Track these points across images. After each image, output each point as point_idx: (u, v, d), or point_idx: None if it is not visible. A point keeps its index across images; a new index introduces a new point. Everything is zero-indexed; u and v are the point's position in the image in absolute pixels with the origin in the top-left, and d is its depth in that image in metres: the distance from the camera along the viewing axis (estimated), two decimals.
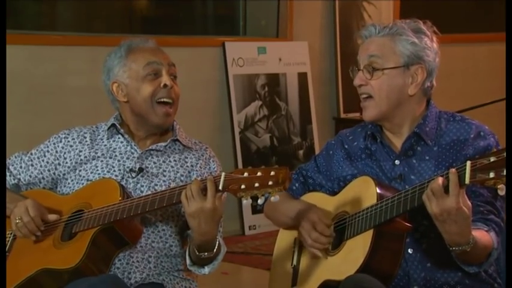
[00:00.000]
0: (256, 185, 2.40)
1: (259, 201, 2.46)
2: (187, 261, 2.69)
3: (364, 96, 2.67)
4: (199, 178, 2.60)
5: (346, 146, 2.80)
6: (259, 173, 2.42)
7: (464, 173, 2.29)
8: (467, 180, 2.28)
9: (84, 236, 2.65)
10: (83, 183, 2.81)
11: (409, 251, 2.59)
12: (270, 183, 2.39)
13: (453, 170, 2.34)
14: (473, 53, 7.65)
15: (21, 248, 2.79)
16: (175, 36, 6.08)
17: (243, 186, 2.42)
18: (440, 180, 2.36)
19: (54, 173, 2.91)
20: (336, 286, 2.50)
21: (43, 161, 2.91)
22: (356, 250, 2.54)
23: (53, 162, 2.90)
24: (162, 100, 2.80)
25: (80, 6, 5.89)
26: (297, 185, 2.89)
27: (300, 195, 2.85)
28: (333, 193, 2.78)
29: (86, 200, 2.74)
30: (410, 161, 2.65)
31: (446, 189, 2.35)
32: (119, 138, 2.88)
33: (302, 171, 2.90)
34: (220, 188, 2.46)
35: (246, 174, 2.43)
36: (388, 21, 2.73)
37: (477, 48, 7.66)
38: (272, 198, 2.42)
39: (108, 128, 2.89)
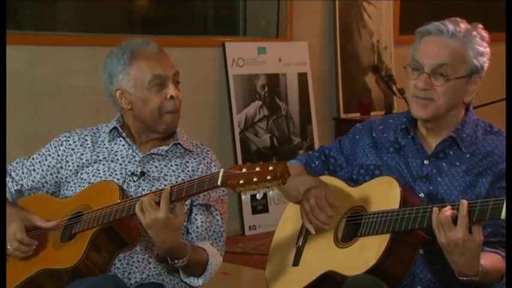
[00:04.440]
0: (255, 179, 2.40)
1: (258, 196, 2.46)
2: (181, 274, 2.71)
3: (425, 102, 2.60)
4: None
5: (375, 135, 2.75)
6: (257, 168, 2.41)
7: (502, 207, 2.26)
8: (502, 216, 2.26)
9: (84, 236, 2.65)
10: (85, 186, 2.81)
11: (420, 251, 2.56)
12: (269, 177, 2.38)
13: (464, 201, 2.33)
14: None
15: None
16: (175, 36, 6.08)
17: (241, 181, 2.42)
18: (448, 211, 2.35)
19: (57, 177, 2.90)
20: (338, 279, 2.49)
21: (45, 165, 2.91)
22: (369, 250, 2.51)
23: (55, 166, 2.90)
24: (169, 112, 2.81)
25: (80, 6, 5.88)
26: (316, 162, 2.85)
27: (318, 174, 2.81)
28: (350, 179, 2.75)
29: (85, 202, 2.74)
30: (440, 164, 2.62)
31: (455, 220, 2.34)
32: (120, 141, 2.88)
33: (325, 150, 2.86)
34: (218, 183, 2.46)
35: (244, 170, 2.43)
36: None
37: None
38: (271, 193, 2.42)
39: (110, 131, 2.89)
